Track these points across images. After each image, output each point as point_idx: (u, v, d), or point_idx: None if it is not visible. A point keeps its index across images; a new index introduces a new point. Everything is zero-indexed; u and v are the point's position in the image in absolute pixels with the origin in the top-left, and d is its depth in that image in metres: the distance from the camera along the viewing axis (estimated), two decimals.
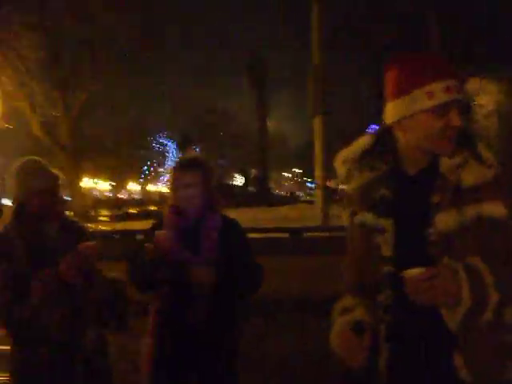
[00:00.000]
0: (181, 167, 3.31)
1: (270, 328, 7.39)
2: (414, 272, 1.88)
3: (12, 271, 2.80)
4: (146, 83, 44.46)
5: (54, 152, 25.22)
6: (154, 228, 3.31)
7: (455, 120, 2.04)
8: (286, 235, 15.67)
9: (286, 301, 8.32)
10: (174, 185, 3.30)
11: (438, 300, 1.91)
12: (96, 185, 62.57)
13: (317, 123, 18.27)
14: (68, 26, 20.91)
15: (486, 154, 2.10)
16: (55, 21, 20.08)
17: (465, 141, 2.11)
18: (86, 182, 57.57)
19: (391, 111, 2.16)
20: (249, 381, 3.47)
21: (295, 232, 15.52)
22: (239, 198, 41.25)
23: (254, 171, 46.81)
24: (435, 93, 2.06)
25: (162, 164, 76.06)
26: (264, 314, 7.74)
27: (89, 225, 22.79)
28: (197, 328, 3.13)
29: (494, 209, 2.00)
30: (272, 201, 41.19)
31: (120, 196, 69.88)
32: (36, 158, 3.10)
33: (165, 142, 75.87)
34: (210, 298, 3.13)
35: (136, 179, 75.24)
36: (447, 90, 2.05)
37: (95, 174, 56.51)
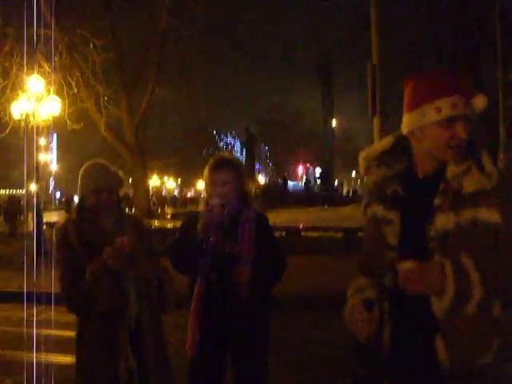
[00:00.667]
0: (215, 166, 3.69)
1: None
2: (406, 265, 2.18)
3: (72, 258, 3.25)
4: (214, 83, 45.34)
5: (120, 151, 26.06)
6: (189, 222, 3.74)
7: (460, 132, 2.32)
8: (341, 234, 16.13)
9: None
10: (210, 182, 3.70)
11: (423, 291, 2.19)
12: (164, 183, 63.89)
13: (375, 123, 18.26)
14: (133, 30, 21.66)
15: (489, 164, 2.34)
16: (120, 25, 20.76)
17: (471, 150, 2.36)
18: (155, 181, 59.03)
19: (406, 122, 2.48)
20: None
21: (350, 232, 15.74)
22: (303, 196, 41.36)
23: (319, 170, 46.68)
24: (442, 108, 2.34)
25: None
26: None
27: (152, 221, 23.57)
28: (234, 313, 3.56)
29: (489, 215, 2.23)
30: (337, 200, 40.99)
31: (189, 194, 71.28)
32: (99, 160, 3.57)
33: (231, 141, 76.86)
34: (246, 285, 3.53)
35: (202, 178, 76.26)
36: (453, 106, 2.33)
37: (164, 172, 57.77)
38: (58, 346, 5.52)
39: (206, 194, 3.80)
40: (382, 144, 2.62)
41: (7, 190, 53.60)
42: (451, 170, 2.34)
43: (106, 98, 21.62)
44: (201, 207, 3.73)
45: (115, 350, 3.25)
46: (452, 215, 2.27)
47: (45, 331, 5.94)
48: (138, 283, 3.35)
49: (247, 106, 59.87)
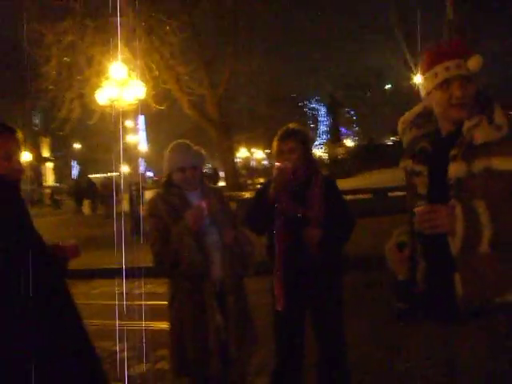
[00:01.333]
0: (282, 137, 4.08)
1: None
2: (419, 208, 2.53)
3: (161, 226, 3.70)
4: (294, 52, 45.22)
5: (205, 127, 26.66)
6: (263, 188, 4.23)
7: (456, 91, 2.63)
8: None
9: None
10: (278, 152, 4.08)
11: (435, 230, 2.48)
12: (252, 155, 64.43)
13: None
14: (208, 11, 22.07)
15: (499, 116, 2.60)
16: (195, 7, 21.16)
17: (485, 105, 2.66)
18: (243, 153, 59.67)
19: (421, 88, 2.85)
20: None
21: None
22: (390, 157, 40.69)
23: None
24: (438, 73, 2.68)
25: (314, 129, 76.79)
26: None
27: (241, 192, 24.06)
28: (309, 270, 3.93)
29: (501, 164, 2.50)
30: None
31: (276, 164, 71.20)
32: (182, 140, 4.04)
33: (316, 107, 76.44)
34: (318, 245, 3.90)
35: None
36: (447, 69, 2.65)
37: (251, 144, 58.27)
38: (155, 314, 6.11)
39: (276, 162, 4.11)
40: (416, 108, 2.95)
41: (101, 174, 55.97)
42: (465, 124, 2.63)
43: (186, 78, 22.15)
44: (274, 173, 4.13)
45: (203, 310, 3.64)
46: (464, 164, 2.56)
47: (143, 302, 6.70)
48: (221, 248, 3.76)
49: (330, 72, 59.18)
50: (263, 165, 64.75)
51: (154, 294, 7.77)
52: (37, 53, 19.91)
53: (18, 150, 2.93)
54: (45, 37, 19.61)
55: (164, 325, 4.16)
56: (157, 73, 20.69)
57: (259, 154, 66.24)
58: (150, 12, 19.72)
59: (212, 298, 3.68)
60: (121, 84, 18.31)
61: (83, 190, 33.37)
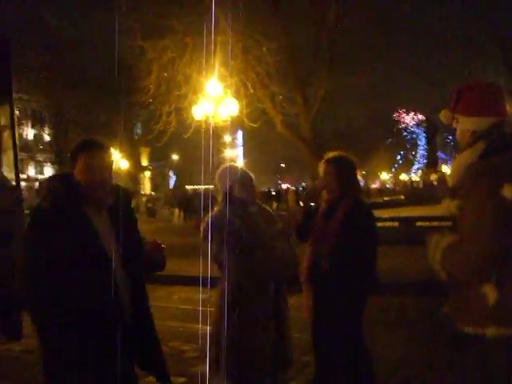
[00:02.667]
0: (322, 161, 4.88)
1: None
2: None
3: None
4: (393, 70, 44.84)
5: (298, 146, 26.83)
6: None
7: None
8: None
9: None
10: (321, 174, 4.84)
11: None
12: None
13: None
14: (303, 28, 22.35)
15: None
16: (288, 28, 21.47)
17: None
18: None
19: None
20: None
21: None
22: None
23: None
24: None
25: (412, 152, 75.43)
26: None
27: None
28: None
29: None
30: None
31: (373, 186, 71.01)
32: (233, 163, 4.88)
33: (414, 129, 75.01)
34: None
35: (388, 169, 75.58)
36: None
37: None
38: None
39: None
40: None
41: (193, 186, 57.58)
42: None
43: (281, 97, 22.46)
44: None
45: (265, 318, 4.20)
46: None
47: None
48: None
49: (429, 94, 58.06)
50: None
51: None
52: (139, 67, 20.89)
53: (103, 165, 3.21)
54: (146, 53, 20.51)
55: None
56: (251, 91, 21.09)
57: None
58: (247, 32, 20.19)
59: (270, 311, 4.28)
60: (216, 101, 18.92)
61: (179, 200, 34.41)
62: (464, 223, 2.63)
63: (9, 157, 6.22)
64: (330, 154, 4.85)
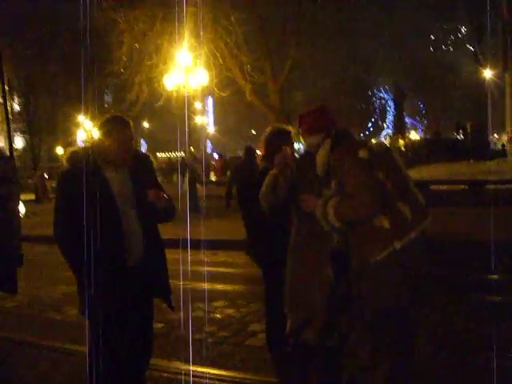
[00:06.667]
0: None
1: None
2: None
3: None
4: (363, 40, 45.22)
5: (266, 114, 27.43)
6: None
7: None
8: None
9: None
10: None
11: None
12: None
13: (507, 77, 18.21)
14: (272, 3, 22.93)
15: None
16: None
17: None
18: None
19: None
20: None
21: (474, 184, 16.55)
22: (455, 151, 40.47)
23: (470, 124, 45.06)
24: None
25: (382, 119, 75.98)
26: None
27: None
28: None
29: None
30: (489, 154, 39.62)
31: None
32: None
33: (384, 96, 75.43)
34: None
35: (356, 134, 75.77)
36: None
37: None
38: None
39: None
40: None
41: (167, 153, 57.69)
42: None
43: (249, 67, 23.06)
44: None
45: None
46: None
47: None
48: None
49: (400, 62, 58.64)
50: None
51: None
52: (111, 38, 21.39)
53: (130, 138, 4.08)
54: (118, 24, 21.00)
55: None
56: (221, 60, 21.69)
57: None
58: (215, 3, 20.72)
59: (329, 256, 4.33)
60: (186, 71, 19.45)
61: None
62: (348, 186, 3.70)
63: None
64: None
